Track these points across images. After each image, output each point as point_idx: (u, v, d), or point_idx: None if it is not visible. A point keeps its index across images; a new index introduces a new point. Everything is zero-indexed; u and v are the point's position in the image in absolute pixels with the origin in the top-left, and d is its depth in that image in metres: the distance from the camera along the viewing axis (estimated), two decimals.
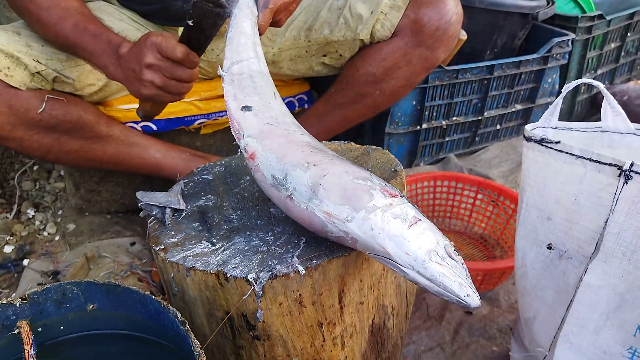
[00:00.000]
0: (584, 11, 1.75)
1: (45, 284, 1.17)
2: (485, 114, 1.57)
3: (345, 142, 0.95)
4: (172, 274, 0.69)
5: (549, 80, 1.63)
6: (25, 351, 0.62)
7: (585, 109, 1.91)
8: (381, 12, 1.10)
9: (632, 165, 0.66)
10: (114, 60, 0.91)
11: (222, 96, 1.26)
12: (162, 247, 0.70)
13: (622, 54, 1.91)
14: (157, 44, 0.84)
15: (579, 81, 0.83)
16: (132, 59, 0.88)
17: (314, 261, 0.65)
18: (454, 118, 1.54)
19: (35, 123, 1.03)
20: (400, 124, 1.47)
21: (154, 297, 0.62)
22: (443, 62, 1.38)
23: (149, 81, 0.87)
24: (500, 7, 1.43)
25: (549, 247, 0.79)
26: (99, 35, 0.94)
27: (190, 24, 0.84)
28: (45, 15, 0.96)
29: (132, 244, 1.27)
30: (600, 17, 1.68)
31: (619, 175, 0.67)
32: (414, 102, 1.44)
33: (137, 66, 0.87)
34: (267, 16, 0.86)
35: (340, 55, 1.20)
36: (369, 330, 0.77)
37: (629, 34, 1.87)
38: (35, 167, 1.55)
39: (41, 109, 1.02)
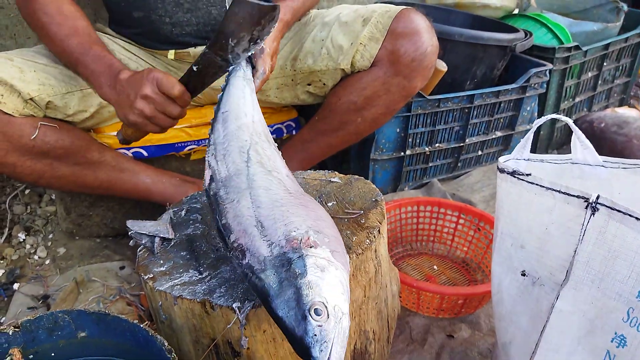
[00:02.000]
0: (561, 42, 1.82)
1: (35, 308, 1.19)
2: (467, 140, 1.62)
3: (329, 171, 0.99)
4: (160, 302, 0.72)
5: (528, 108, 1.69)
6: None
7: (564, 135, 1.97)
8: (360, 43, 1.15)
9: (598, 197, 0.70)
10: (111, 82, 0.97)
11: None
12: (151, 275, 0.73)
13: (599, 82, 1.98)
14: (157, 78, 0.90)
15: (549, 117, 0.88)
16: (130, 85, 0.93)
17: None
18: (437, 144, 1.59)
19: (28, 149, 1.06)
20: (384, 150, 1.51)
21: (142, 325, 0.65)
22: (425, 92, 1.43)
23: (139, 109, 0.92)
24: (479, 40, 1.50)
25: (523, 274, 0.82)
26: (102, 57, 1.01)
27: (194, 69, 0.91)
28: (55, 30, 1.03)
29: (122, 268, 1.29)
30: (577, 48, 1.75)
31: (586, 207, 0.71)
32: (398, 130, 1.49)
33: (132, 93, 0.92)
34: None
35: (324, 84, 1.25)
36: (351, 355, 0.80)
37: (605, 63, 1.94)
38: (26, 191, 1.57)
39: (34, 136, 1.05)
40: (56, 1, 1.05)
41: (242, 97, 0.90)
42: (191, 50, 1.19)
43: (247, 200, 0.71)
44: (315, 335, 0.56)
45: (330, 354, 0.56)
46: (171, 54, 1.20)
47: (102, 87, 0.99)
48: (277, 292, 0.60)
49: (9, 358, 0.66)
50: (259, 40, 0.88)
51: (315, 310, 0.57)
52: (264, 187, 0.73)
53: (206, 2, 1.15)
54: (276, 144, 0.87)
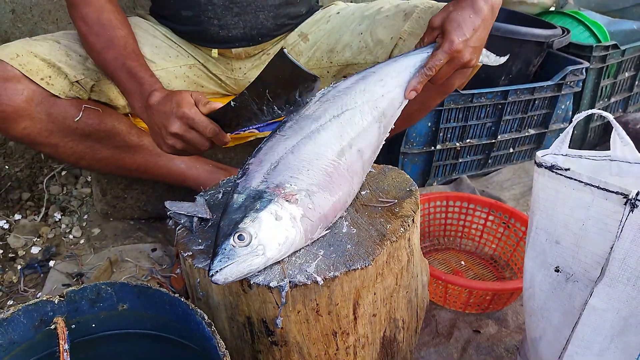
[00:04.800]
0: (598, 41, 1.79)
1: (70, 285, 1.23)
2: (499, 137, 1.61)
3: None
4: (198, 279, 0.74)
5: (563, 106, 1.66)
6: (60, 346, 0.67)
7: (598, 135, 1.93)
8: (400, 38, 1.14)
9: (637, 194, 0.69)
10: (142, 105, 0.94)
11: None
12: (190, 253, 0.75)
13: (636, 83, 1.94)
14: (188, 118, 0.85)
15: (590, 111, 0.87)
16: (159, 117, 0.88)
17: (332, 273, 0.69)
18: (468, 140, 1.57)
19: (72, 131, 1.09)
20: (415, 144, 1.51)
21: (182, 299, 0.67)
22: (459, 87, 1.43)
23: (169, 145, 0.90)
24: (516, 35, 1.48)
25: (557, 270, 0.82)
26: (134, 74, 0.96)
27: (232, 104, 0.85)
28: (93, 40, 1.02)
29: (154, 250, 1.32)
30: (615, 47, 1.71)
31: (625, 204, 0.70)
32: (429, 124, 1.49)
33: (162, 127, 0.88)
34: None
35: None
36: (380, 342, 0.81)
37: None
38: (63, 173, 1.62)
39: (78, 118, 1.08)
40: (96, 9, 1.02)
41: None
42: (234, 50, 1.21)
43: (292, 142, 0.78)
44: (225, 249, 0.66)
45: (221, 268, 0.64)
46: (215, 52, 1.22)
47: (135, 107, 0.96)
48: (232, 210, 0.71)
49: (53, 326, 0.68)
50: (294, 106, 0.82)
51: (239, 236, 0.67)
52: (316, 142, 0.78)
53: (254, 7, 1.16)
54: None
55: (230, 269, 0.65)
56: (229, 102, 0.85)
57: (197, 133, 0.87)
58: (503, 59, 1.10)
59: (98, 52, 1.02)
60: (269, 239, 0.68)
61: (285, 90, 0.81)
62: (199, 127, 0.86)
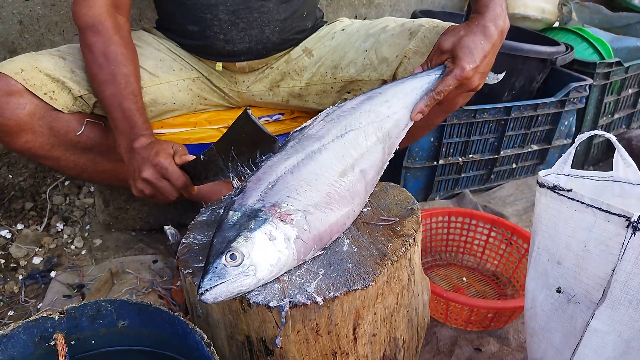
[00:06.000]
0: (602, 57, 1.79)
1: (70, 296, 1.23)
2: (502, 152, 1.61)
3: None
4: (198, 297, 0.73)
5: (566, 123, 1.66)
6: None
7: (601, 152, 1.93)
8: (405, 56, 1.14)
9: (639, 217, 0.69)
10: (126, 145, 0.97)
11: None
12: (190, 270, 0.75)
13: None
14: (162, 167, 0.88)
15: (592, 132, 0.87)
16: (137, 160, 0.92)
17: (332, 293, 0.69)
18: (471, 155, 1.58)
19: (74, 144, 1.10)
20: (417, 159, 1.51)
21: (182, 318, 0.67)
22: (462, 103, 1.43)
23: (139, 189, 0.93)
24: (519, 52, 1.49)
25: (559, 291, 0.81)
26: (127, 116, 0.99)
27: (201, 158, 0.88)
28: (95, 72, 1.03)
29: (155, 261, 1.32)
30: (619, 63, 1.72)
31: (627, 226, 0.70)
32: (432, 139, 1.49)
33: (136, 171, 0.92)
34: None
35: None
36: None
37: None
38: (66, 183, 1.63)
39: (80, 132, 1.09)
40: (104, 40, 1.03)
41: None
42: (238, 63, 1.22)
43: (293, 161, 0.78)
44: (217, 268, 0.65)
45: (211, 287, 0.64)
46: (219, 66, 1.23)
47: (120, 147, 0.99)
48: (226, 227, 0.70)
49: (53, 342, 0.68)
50: (255, 166, 0.82)
51: (232, 255, 0.66)
52: (317, 163, 0.78)
53: (260, 22, 1.17)
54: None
55: (220, 288, 0.64)
56: (199, 155, 0.88)
57: (167, 182, 0.90)
58: (500, 76, 1.10)
59: (98, 84, 1.03)
60: (261, 260, 0.67)
61: (248, 149, 0.82)
62: (171, 177, 0.89)
